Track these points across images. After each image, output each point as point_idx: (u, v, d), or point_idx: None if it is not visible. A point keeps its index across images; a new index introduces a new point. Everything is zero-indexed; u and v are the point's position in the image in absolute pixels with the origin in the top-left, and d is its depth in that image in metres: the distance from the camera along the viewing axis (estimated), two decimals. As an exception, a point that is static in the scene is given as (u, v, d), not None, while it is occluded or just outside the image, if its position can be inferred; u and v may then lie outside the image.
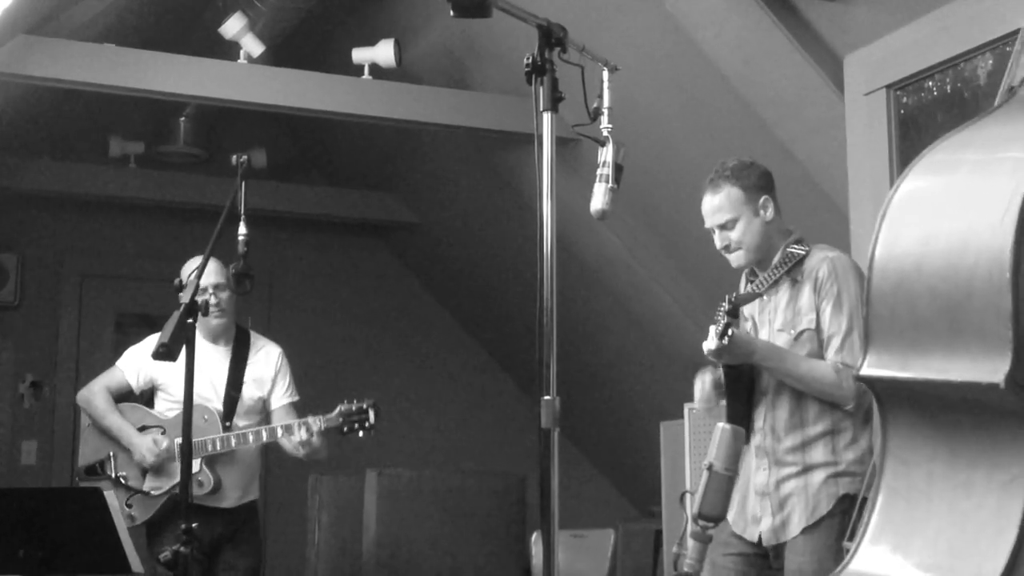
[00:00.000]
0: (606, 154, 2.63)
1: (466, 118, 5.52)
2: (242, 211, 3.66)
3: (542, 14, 2.53)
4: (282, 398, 4.59)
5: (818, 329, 3.31)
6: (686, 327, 5.56)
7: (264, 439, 4.39)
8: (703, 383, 3.47)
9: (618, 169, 2.64)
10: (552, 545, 2.41)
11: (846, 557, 2.06)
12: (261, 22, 5.30)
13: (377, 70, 5.43)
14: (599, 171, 2.63)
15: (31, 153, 6.59)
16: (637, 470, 7.05)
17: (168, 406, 4.48)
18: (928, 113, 4.04)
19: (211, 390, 4.43)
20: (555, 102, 2.49)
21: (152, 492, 4.39)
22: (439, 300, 8.08)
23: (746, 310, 3.54)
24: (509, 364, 7.96)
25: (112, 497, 3.86)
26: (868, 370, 2.04)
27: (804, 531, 3.27)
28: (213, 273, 4.39)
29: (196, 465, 4.27)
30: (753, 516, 3.38)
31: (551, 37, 2.50)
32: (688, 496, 3.47)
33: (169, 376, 4.42)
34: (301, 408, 4.55)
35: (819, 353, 3.31)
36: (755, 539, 3.37)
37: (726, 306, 3.13)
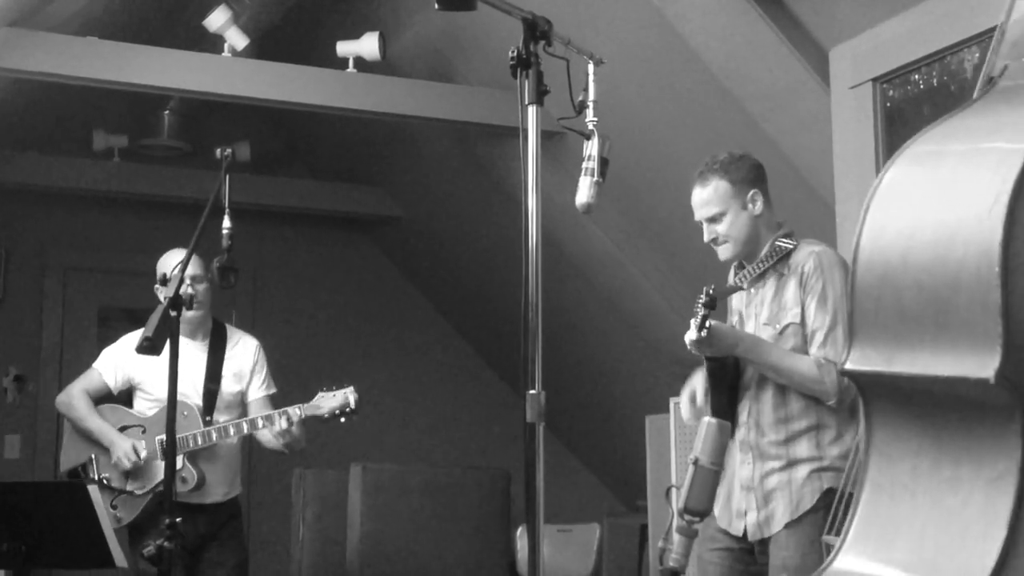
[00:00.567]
0: (591, 147, 2.62)
1: (451, 111, 5.50)
2: (226, 204, 3.65)
3: (527, 7, 2.52)
4: (259, 391, 4.55)
5: (803, 324, 3.31)
6: (672, 321, 5.56)
7: (245, 431, 4.36)
8: (691, 391, 3.45)
9: (603, 162, 2.62)
10: (537, 540, 2.40)
11: (828, 552, 2.04)
12: (245, 15, 5.29)
13: (361, 63, 5.41)
14: (584, 164, 2.61)
15: (14, 147, 6.55)
16: (623, 464, 7.06)
17: (147, 404, 4.45)
18: (914, 106, 4.04)
19: (190, 385, 4.38)
20: (540, 95, 2.48)
21: (136, 492, 4.36)
22: (424, 294, 8.06)
23: (734, 304, 3.53)
24: (494, 358, 7.95)
25: (96, 492, 3.84)
26: (852, 364, 2.00)
27: (787, 526, 3.26)
28: (191, 265, 4.36)
29: (179, 462, 4.23)
30: (738, 510, 3.38)
31: (536, 30, 2.49)
32: (674, 490, 3.46)
33: (147, 374, 4.39)
34: (279, 400, 4.52)
35: (804, 348, 3.30)
36: (740, 533, 3.37)
37: (703, 298, 3.12)
